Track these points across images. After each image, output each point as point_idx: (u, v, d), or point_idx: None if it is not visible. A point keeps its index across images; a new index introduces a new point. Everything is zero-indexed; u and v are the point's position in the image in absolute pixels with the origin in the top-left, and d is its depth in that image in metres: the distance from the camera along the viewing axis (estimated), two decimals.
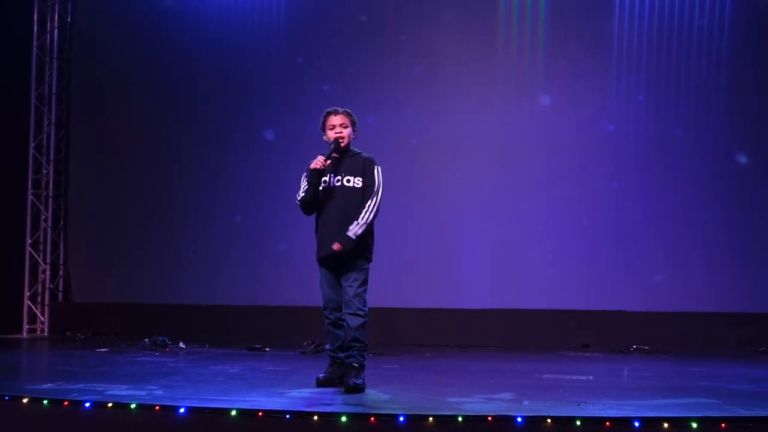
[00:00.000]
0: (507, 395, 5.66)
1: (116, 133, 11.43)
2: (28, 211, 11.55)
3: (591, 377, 6.84)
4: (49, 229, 11.68)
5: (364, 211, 5.95)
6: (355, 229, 5.90)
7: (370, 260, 6.07)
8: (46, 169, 11.69)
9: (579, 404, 5.18)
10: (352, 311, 5.89)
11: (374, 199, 5.98)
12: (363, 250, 6.00)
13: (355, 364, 5.88)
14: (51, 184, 11.69)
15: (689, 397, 5.61)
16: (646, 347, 9.30)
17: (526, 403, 5.29)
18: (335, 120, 6.10)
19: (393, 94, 10.47)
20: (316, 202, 6.05)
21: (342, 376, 5.97)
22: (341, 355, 6.04)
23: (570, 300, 9.85)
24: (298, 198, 6.11)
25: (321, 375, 6.13)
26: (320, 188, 6.02)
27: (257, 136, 10.93)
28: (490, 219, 10.16)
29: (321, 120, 6.19)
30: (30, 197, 11.56)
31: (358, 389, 5.77)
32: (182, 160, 11.22)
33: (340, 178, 6.01)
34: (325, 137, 6.18)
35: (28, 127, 11.56)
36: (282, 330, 10.12)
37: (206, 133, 11.14)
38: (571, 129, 10.07)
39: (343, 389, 5.83)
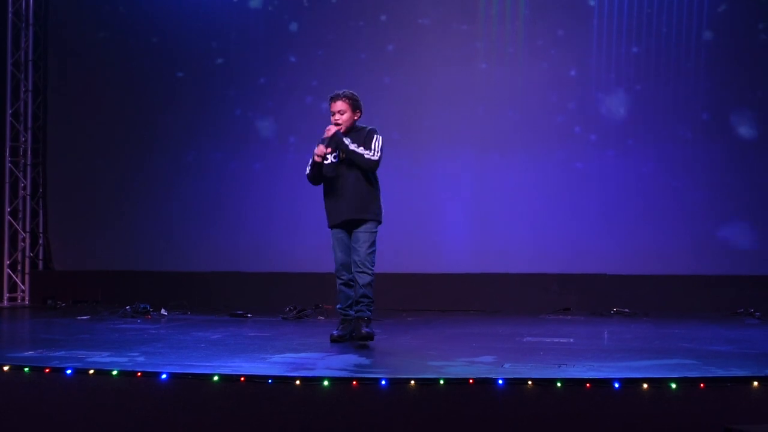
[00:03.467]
0: (488, 358, 5.68)
1: (94, 99, 11.32)
2: (7, 180, 11.44)
3: (572, 340, 6.89)
4: (28, 197, 11.59)
5: (367, 150, 6.51)
6: (353, 146, 6.47)
7: (379, 222, 6.66)
8: (23, 136, 11.57)
9: (559, 366, 5.21)
10: (360, 270, 6.48)
11: (369, 152, 6.50)
12: (373, 213, 6.59)
13: (365, 317, 6.50)
14: (29, 152, 11.57)
15: (669, 359, 5.65)
16: (626, 310, 9.37)
17: (507, 365, 5.32)
18: (334, 107, 6.62)
19: (370, 63, 10.47)
20: (320, 174, 6.63)
21: (352, 332, 6.58)
22: (351, 312, 6.62)
23: (551, 264, 9.90)
24: (306, 173, 6.73)
25: (334, 332, 6.72)
26: (327, 162, 6.57)
27: (239, 104, 10.88)
28: (471, 182, 10.18)
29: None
30: (8, 165, 11.45)
31: (369, 337, 6.44)
32: (161, 127, 11.13)
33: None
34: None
35: (4, 95, 11.43)
36: (264, 296, 10.13)
37: (186, 99, 11.05)
38: (552, 93, 10.08)
39: (355, 338, 6.50)
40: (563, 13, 10.09)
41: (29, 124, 11.58)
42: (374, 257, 6.56)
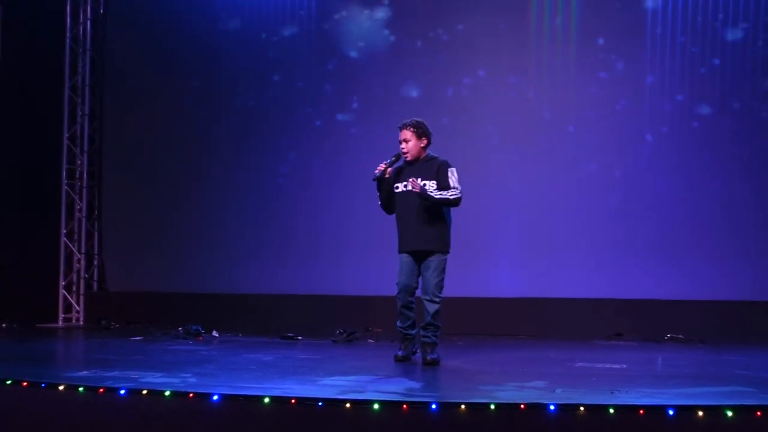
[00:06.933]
0: (539, 383, 5.63)
1: (148, 123, 11.52)
2: (63, 202, 11.66)
3: (624, 366, 6.80)
4: (84, 219, 11.79)
5: (445, 192, 6.70)
6: (435, 194, 6.67)
7: (448, 252, 6.85)
8: (80, 159, 11.79)
9: (612, 392, 5.14)
10: (429, 298, 6.73)
11: (454, 190, 6.71)
12: (439, 244, 6.79)
13: (430, 342, 6.76)
14: (85, 175, 11.79)
15: (724, 386, 5.56)
16: (680, 336, 9.21)
17: (558, 391, 5.26)
18: (400, 136, 6.89)
19: (420, 71, 10.53)
20: (390, 202, 6.94)
21: (413, 350, 6.98)
22: (412, 332, 6.92)
23: (603, 288, 9.77)
24: (379, 203, 7.04)
25: (399, 352, 6.93)
26: (394, 191, 6.88)
27: (291, 124, 10.97)
28: (522, 205, 10.09)
29: None
30: (64, 188, 11.66)
31: (435, 363, 6.70)
32: (214, 149, 11.27)
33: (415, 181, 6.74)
34: None
35: (62, 118, 11.67)
36: (314, 319, 10.13)
37: (238, 123, 11.18)
38: (605, 112, 9.98)
39: (422, 364, 6.72)
40: None
41: (86, 148, 11.80)
42: (443, 285, 6.78)
